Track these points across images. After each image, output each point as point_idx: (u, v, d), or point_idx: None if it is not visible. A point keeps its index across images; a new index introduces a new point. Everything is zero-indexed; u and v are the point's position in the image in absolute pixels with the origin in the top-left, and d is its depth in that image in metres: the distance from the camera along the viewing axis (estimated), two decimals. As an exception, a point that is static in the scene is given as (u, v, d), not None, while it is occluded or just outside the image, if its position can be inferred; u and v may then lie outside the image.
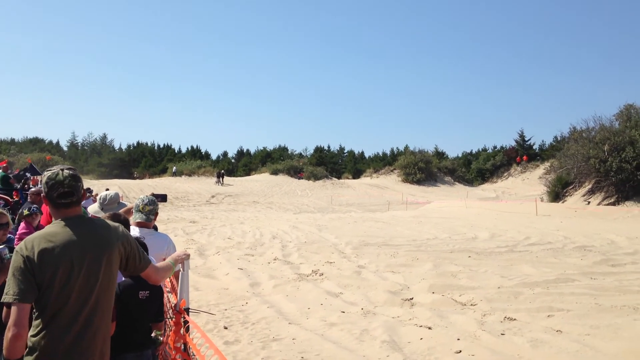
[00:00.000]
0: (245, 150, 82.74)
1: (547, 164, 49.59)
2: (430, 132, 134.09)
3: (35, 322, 2.38)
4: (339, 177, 65.54)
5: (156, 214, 4.29)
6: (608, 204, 26.09)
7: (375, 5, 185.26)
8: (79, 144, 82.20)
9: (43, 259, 2.35)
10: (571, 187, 30.50)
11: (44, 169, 36.79)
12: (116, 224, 2.71)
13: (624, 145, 26.18)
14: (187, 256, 3.17)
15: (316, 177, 57.26)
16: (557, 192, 30.72)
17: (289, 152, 77.70)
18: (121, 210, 4.28)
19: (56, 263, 2.36)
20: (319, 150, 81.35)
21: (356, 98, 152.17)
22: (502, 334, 6.13)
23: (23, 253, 2.36)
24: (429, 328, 6.40)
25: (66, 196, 2.51)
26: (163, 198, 4.93)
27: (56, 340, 2.36)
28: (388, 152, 79.77)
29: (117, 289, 3.11)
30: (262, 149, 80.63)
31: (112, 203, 4.28)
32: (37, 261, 2.34)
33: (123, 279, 3.13)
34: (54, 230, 2.47)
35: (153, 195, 4.43)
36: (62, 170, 2.56)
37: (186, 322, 2.67)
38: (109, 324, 2.58)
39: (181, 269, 3.02)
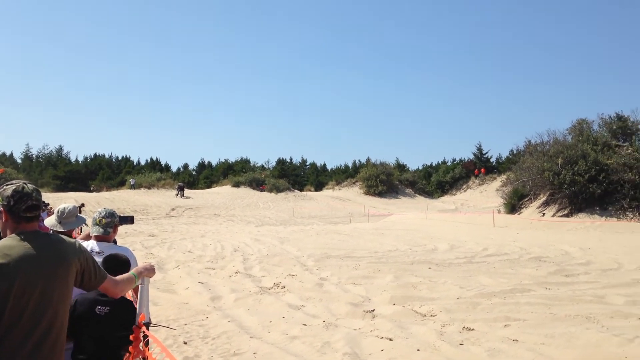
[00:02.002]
0: (206, 163, 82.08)
1: (503, 177, 50.88)
2: (391, 144, 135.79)
3: None
4: (301, 190, 65.65)
5: (115, 226, 4.22)
6: (562, 216, 26.88)
7: (336, 15, 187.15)
8: (34, 156, 79.87)
9: None
10: (527, 199, 31.32)
11: (-4, 181, 35.24)
12: (72, 240, 2.68)
13: (576, 159, 27.06)
14: (152, 269, 3.13)
15: (278, 190, 57.18)
16: (514, 204, 31.49)
17: (251, 164, 77.41)
18: (80, 237, 4.20)
19: (12, 277, 2.32)
20: (281, 162, 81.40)
21: (318, 110, 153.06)
22: (460, 344, 6.23)
23: None
24: (390, 339, 6.45)
25: (33, 209, 2.50)
26: (130, 220, 4.85)
27: (11, 355, 2.31)
28: (350, 165, 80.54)
29: (72, 305, 3.06)
30: (223, 161, 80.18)
31: (70, 216, 4.19)
32: None
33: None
34: (9, 244, 2.43)
35: (120, 217, 4.36)
36: (25, 183, 2.56)
37: (145, 336, 2.64)
38: (64, 339, 2.54)
39: (141, 283, 2.98)
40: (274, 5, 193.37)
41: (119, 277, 2.90)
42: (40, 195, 2.57)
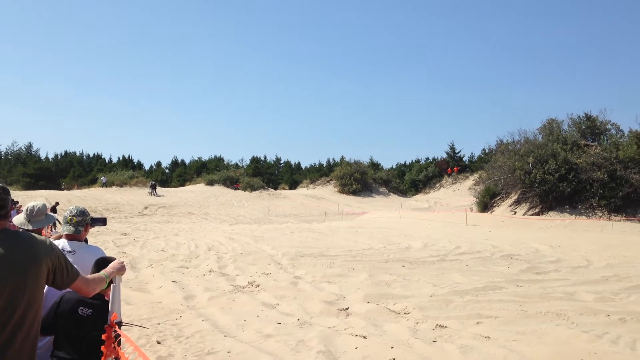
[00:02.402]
0: (179, 161, 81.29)
1: (476, 176, 51.55)
2: (365, 143, 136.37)
3: None
4: (275, 188, 65.53)
5: (87, 225, 4.14)
6: (533, 214, 27.36)
7: (304, 10, 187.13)
8: (2, 153, 77.96)
9: None
10: (499, 197, 31.80)
11: (-38, 179, 34.36)
12: (43, 238, 2.63)
13: (547, 158, 27.57)
14: (123, 267, 3.09)
15: (253, 188, 56.97)
16: (486, 203, 31.95)
17: (225, 163, 76.95)
18: (53, 237, 4.12)
19: None
20: (255, 160, 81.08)
21: (293, 108, 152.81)
22: (433, 341, 6.29)
23: None
24: (364, 337, 6.48)
25: None
26: (102, 222, 4.77)
27: None
28: (324, 163, 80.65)
29: (57, 301, 3.03)
30: (197, 159, 79.55)
31: (39, 215, 4.09)
32: None
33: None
34: None
35: (92, 218, 4.28)
36: None
37: (118, 335, 2.60)
38: (35, 339, 2.50)
39: (113, 282, 2.94)
40: (251, 5, 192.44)
41: (89, 277, 2.86)
42: (7, 194, 2.51)
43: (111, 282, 3.00)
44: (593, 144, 29.74)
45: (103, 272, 2.95)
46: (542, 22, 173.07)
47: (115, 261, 3.09)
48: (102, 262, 3.37)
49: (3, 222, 2.51)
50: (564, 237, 19.45)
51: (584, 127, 30.82)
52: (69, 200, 37.27)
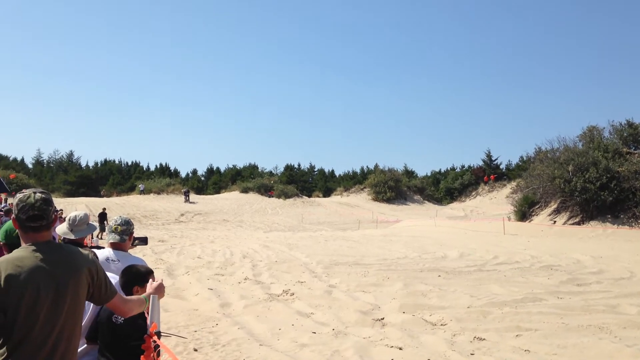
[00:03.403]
0: (215, 168, 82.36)
1: (513, 184, 50.60)
2: (399, 150, 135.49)
3: (0, 350, 2.32)
4: (309, 196, 65.69)
5: (131, 234, 4.23)
6: (573, 224, 26.68)
7: (343, 20, 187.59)
8: (45, 161, 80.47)
9: (10, 284, 2.30)
10: (537, 206, 31.12)
11: (8, 187, 35.57)
12: (86, 252, 2.67)
13: (587, 166, 26.87)
14: (162, 289, 3.11)
15: (287, 196, 57.25)
16: (524, 212, 31.30)
17: (260, 170, 77.60)
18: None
19: (22, 289, 2.31)
20: (289, 168, 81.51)
21: (327, 116, 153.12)
22: (471, 354, 6.18)
23: None
24: (400, 348, 6.41)
25: (35, 219, 2.46)
26: (144, 241, 4.90)
27: None
28: (358, 171, 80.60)
29: (99, 309, 3.09)
30: (232, 166, 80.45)
31: (81, 224, 4.20)
32: (3, 286, 2.29)
33: None
34: (22, 254, 2.42)
35: (134, 237, 4.38)
36: (35, 192, 2.53)
37: (157, 346, 2.64)
38: (75, 350, 2.54)
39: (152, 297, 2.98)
40: (290, 13, 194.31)
41: (129, 297, 2.90)
42: (48, 205, 2.51)
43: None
44: (636, 151, 28.85)
45: (144, 295, 2.97)
46: (585, 26, 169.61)
47: (155, 283, 3.10)
48: (137, 275, 3.40)
49: (46, 233, 2.52)
50: (606, 248, 18.89)
51: (625, 134, 29.93)
52: (109, 207, 38.10)
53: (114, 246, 4.09)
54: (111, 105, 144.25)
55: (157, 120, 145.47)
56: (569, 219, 27.44)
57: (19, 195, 2.52)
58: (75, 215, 4.25)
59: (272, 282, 11.53)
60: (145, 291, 3.25)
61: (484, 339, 6.83)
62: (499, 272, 12.81)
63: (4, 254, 3.00)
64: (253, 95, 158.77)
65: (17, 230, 2.55)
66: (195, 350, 6.44)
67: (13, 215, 2.54)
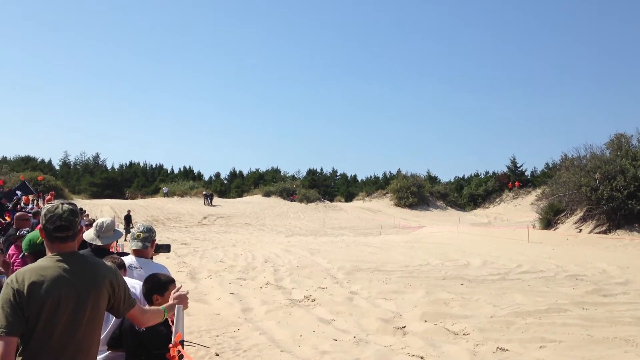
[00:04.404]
0: (237, 172, 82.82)
1: (538, 191, 49.85)
2: (422, 156, 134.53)
3: (18, 358, 2.37)
4: (331, 200, 65.67)
5: (153, 241, 4.29)
6: (599, 232, 26.22)
7: (367, 26, 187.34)
8: (71, 163, 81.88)
9: (32, 293, 2.36)
10: (563, 214, 30.65)
11: (35, 189, 36.29)
12: (109, 264, 2.73)
13: (615, 174, 26.40)
14: (185, 299, 3.14)
15: (309, 200, 57.34)
16: (549, 219, 30.84)
17: (282, 174, 77.82)
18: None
19: (44, 298, 2.37)
20: (311, 172, 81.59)
21: (349, 121, 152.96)
22: (494, 365, 6.12)
23: (14, 285, 2.37)
24: (422, 358, 6.38)
25: (62, 230, 2.53)
26: (167, 249, 5.00)
27: None
28: (380, 176, 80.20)
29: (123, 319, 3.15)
30: (254, 170, 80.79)
31: (108, 230, 4.28)
32: (26, 295, 2.35)
33: None
34: (46, 264, 2.48)
35: (157, 245, 4.46)
36: (62, 204, 2.60)
37: (182, 355, 2.68)
38: (94, 359, 2.59)
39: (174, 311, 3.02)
40: (320, 16, 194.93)
41: (147, 308, 2.94)
42: (75, 216, 2.57)
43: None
44: (664, 159, 28.26)
45: (163, 307, 3.02)
46: (610, 33, 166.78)
47: (178, 293, 3.13)
48: (158, 283, 3.44)
49: (71, 243, 2.58)
50: (633, 258, 18.51)
51: (654, 142, 29.38)
52: (133, 209, 38.61)
53: (137, 253, 4.16)
54: (136, 108, 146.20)
55: (181, 123, 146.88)
56: (595, 227, 26.96)
57: (47, 206, 2.60)
58: (103, 222, 4.34)
59: (293, 287, 11.56)
60: (165, 300, 3.30)
61: (507, 350, 6.76)
62: (522, 281, 12.64)
63: (27, 264, 3.08)
64: (277, 99, 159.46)
65: (39, 239, 2.62)
66: (217, 355, 6.50)
67: (40, 225, 2.61)
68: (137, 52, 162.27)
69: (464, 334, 7.66)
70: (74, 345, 2.44)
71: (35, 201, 30.92)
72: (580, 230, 27.39)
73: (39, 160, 74.79)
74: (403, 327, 8.00)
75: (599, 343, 7.12)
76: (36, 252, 4.01)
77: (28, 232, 6.97)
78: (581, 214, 28.72)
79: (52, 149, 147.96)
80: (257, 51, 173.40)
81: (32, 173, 50.60)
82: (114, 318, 3.34)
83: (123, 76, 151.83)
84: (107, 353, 3.34)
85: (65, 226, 2.53)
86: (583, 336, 7.45)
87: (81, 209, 21.89)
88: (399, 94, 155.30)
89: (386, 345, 7.05)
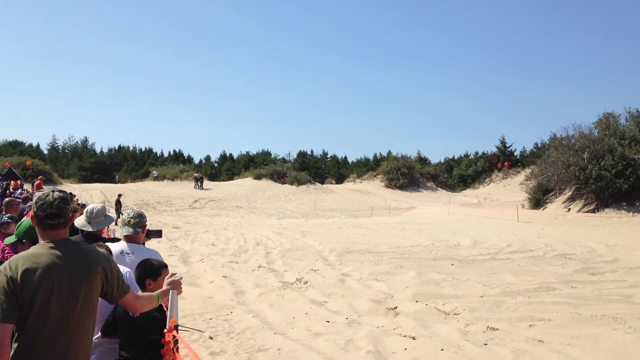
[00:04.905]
0: (228, 155, 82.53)
1: (527, 171, 50.16)
2: (412, 137, 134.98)
3: (14, 344, 2.38)
4: (322, 182, 65.73)
5: (144, 227, 4.28)
6: (588, 211, 26.48)
7: (358, 8, 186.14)
8: (60, 147, 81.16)
9: (25, 280, 2.37)
10: (552, 194, 30.88)
11: (23, 173, 35.91)
12: (102, 250, 2.73)
13: (603, 153, 26.60)
14: (178, 285, 3.14)
15: (299, 182, 57.32)
16: (538, 199, 31.08)
17: (272, 157, 77.67)
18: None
19: (37, 285, 2.38)
20: (302, 155, 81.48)
21: (339, 103, 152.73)
22: (484, 344, 6.20)
23: (7, 273, 2.38)
24: (413, 338, 6.45)
25: (53, 217, 2.54)
26: (158, 234, 4.98)
27: None
28: (371, 158, 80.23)
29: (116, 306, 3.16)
30: (245, 153, 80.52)
31: (99, 216, 4.26)
32: (19, 282, 2.36)
33: None
34: (38, 251, 2.49)
35: (149, 230, 4.44)
36: (53, 191, 2.61)
37: (177, 340, 2.70)
38: (88, 346, 2.60)
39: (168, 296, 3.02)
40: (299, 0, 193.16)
41: (140, 294, 2.95)
42: (66, 204, 2.58)
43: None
44: (652, 138, 28.47)
45: (157, 293, 3.02)
46: (598, 11, 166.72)
47: (172, 279, 3.13)
48: (150, 268, 3.44)
49: (63, 231, 2.59)
50: (621, 236, 18.75)
51: (642, 121, 29.56)
52: (123, 193, 38.38)
53: (128, 239, 4.14)
54: (125, 91, 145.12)
55: (170, 107, 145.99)
56: (583, 206, 27.22)
57: (37, 194, 2.60)
58: (93, 208, 4.32)
59: (285, 270, 11.61)
60: (158, 284, 3.31)
61: (497, 329, 6.85)
62: (512, 261, 12.77)
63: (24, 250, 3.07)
64: (266, 81, 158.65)
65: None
66: (211, 338, 6.53)
67: (32, 213, 2.61)
68: (124, 37, 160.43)
69: (454, 314, 7.74)
70: (68, 331, 2.45)
71: (22, 185, 30.63)
72: (569, 209, 27.65)
73: (26, 144, 74.03)
74: (395, 308, 8.07)
75: (588, 321, 7.23)
76: (34, 240, 4.01)
77: (11, 217, 6.81)
78: (570, 193, 28.95)
79: (40, 133, 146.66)
80: (246, 34, 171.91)
81: (20, 158, 50.08)
82: (105, 306, 3.35)
83: (110, 60, 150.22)
84: (101, 340, 3.35)
85: (56, 214, 2.53)
86: (572, 314, 7.56)
87: (70, 193, 21.73)
88: (389, 76, 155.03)
89: (378, 326, 7.12)
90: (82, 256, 2.57)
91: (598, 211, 26.16)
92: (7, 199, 9.56)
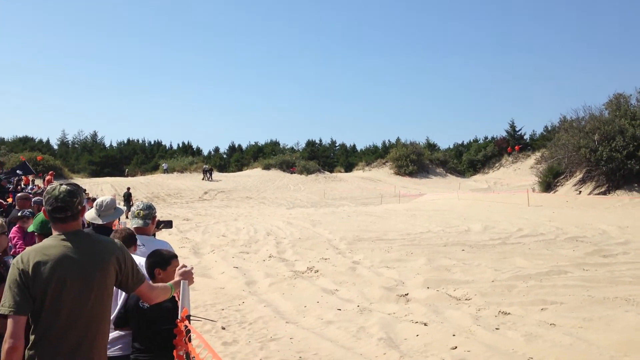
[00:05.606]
0: (237, 146, 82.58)
1: (538, 154, 49.83)
2: (421, 123, 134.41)
3: (31, 337, 2.41)
4: (331, 171, 65.58)
5: (154, 218, 4.30)
6: (599, 194, 26.32)
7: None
8: (70, 142, 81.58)
9: (37, 272, 2.39)
10: (562, 177, 30.71)
11: (35, 168, 36.00)
12: (114, 240, 2.74)
13: (614, 135, 26.39)
14: (190, 275, 3.14)
15: (308, 171, 57.25)
16: (549, 182, 30.92)
17: (281, 147, 77.57)
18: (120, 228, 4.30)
19: (49, 277, 2.39)
20: (310, 144, 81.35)
21: (347, 91, 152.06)
22: (496, 329, 6.20)
23: (19, 266, 2.41)
24: (425, 324, 6.46)
25: (59, 211, 2.54)
26: (169, 225, 4.99)
27: (49, 355, 2.39)
28: (380, 145, 79.93)
29: (127, 295, 3.18)
30: (253, 143, 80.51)
31: (108, 209, 4.28)
32: (31, 274, 2.38)
33: None
34: (50, 244, 2.51)
35: (159, 221, 4.46)
36: (61, 185, 2.61)
37: (188, 330, 2.72)
38: (106, 336, 2.62)
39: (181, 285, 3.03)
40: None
41: (155, 285, 2.96)
42: (73, 197, 2.57)
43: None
44: (663, 118, 28.17)
45: (170, 283, 3.03)
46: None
47: (183, 269, 3.13)
48: (160, 258, 3.46)
49: (74, 223, 2.59)
50: (633, 218, 18.62)
51: (653, 101, 29.26)
52: (133, 186, 38.61)
53: (138, 231, 4.16)
54: (133, 85, 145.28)
55: (178, 99, 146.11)
56: (594, 189, 27.06)
57: (47, 187, 2.62)
58: (102, 201, 4.33)
59: (296, 259, 11.64)
60: (167, 274, 3.32)
61: (509, 313, 6.84)
62: (523, 245, 12.74)
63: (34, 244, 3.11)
64: (273, 71, 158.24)
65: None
66: (223, 328, 6.58)
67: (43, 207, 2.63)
68: (129, 31, 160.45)
69: (466, 299, 7.74)
70: (84, 322, 2.47)
71: (34, 181, 30.85)
72: (580, 192, 27.48)
73: (37, 140, 74.46)
74: (406, 295, 8.08)
75: (600, 303, 7.21)
76: (46, 234, 4.04)
77: (31, 212, 6.99)
78: (580, 175, 28.78)
79: (49, 129, 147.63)
80: (250, 25, 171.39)
81: (31, 153, 50.40)
82: (118, 297, 3.37)
83: (118, 55, 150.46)
84: (115, 333, 3.38)
85: (62, 207, 2.54)
86: (584, 297, 7.54)
87: (83, 199, 21.80)
88: (396, 62, 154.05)
89: (390, 313, 7.13)
90: (95, 247, 2.58)
91: (609, 193, 26.00)
92: (19, 194, 9.65)
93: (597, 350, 5.38)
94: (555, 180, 30.91)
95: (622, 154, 25.49)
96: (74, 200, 2.58)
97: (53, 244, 2.50)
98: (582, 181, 28.38)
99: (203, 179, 48.86)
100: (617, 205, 23.30)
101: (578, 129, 29.60)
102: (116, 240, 2.78)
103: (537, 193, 29.75)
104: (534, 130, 74.19)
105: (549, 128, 56.64)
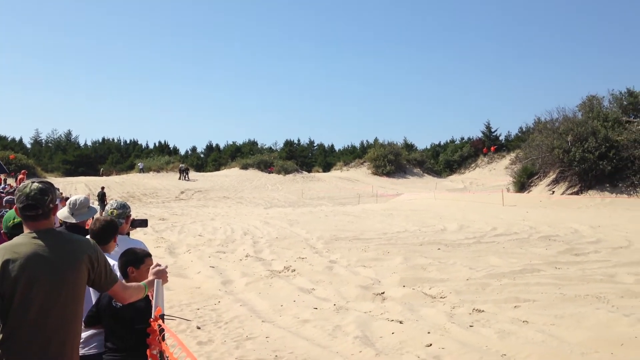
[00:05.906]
0: (214, 145, 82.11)
1: (512, 155, 50.53)
2: (399, 124, 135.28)
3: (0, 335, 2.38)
4: (309, 171, 65.56)
5: (128, 217, 4.25)
6: (571, 194, 26.78)
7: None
8: (43, 141, 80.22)
9: (5, 270, 2.36)
10: (536, 177, 31.17)
11: (7, 167, 35.24)
12: (86, 239, 2.71)
13: (586, 136, 26.85)
14: (164, 274, 3.11)
15: (286, 171, 57.13)
16: (523, 183, 31.36)
17: (259, 147, 77.38)
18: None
19: (18, 275, 2.36)
20: (289, 144, 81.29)
21: (325, 91, 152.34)
22: (470, 326, 6.28)
23: None
24: (400, 322, 6.51)
25: (30, 209, 2.51)
26: (144, 223, 4.92)
27: (18, 354, 2.37)
28: (358, 145, 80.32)
29: (100, 295, 3.14)
30: (231, 143, 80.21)
31: (82, 208, 4.21)
32: (0, 272, 2.35)
33: None
34: (20, 242, 2.48)
35: (133, 220, 4.41)
36: (32, 182, 2.57)
37: (162, 329, 2.69)
38: (77, 335, 2.59)
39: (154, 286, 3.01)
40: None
41: (129, 284, 2.94)
42: (44, 194, 2.53)
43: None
44: (635, 120, 28.78)
45: (144, 283, 3.01)
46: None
47: (157, 268, 3.11)
48: (133, 256, 3.42)
49: (45, 222, 2.55)
50: (604, 217, 19.01)
51: (625, 103, 29.79)
52: (108, 186, 38.08)
53: None
54: (108, 84, 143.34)
55: (155, 98, 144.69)
56: (567, 189, 27.52)
57: (19, 185, 2.59)
58: (76, 199, 4.27)
59: (273, 258, 11.62)
60: (141, 273, 3.29)
61: (482, 311, 6.93)
62: (497, 244, 12.91)
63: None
64: (251, 70, 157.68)
65: (12, 220, 2.60)
66: (199, 328, 6.54)
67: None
68: (104, 29, 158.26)
69: (441, 297, 7.82)
70: (54, 321, 2.44)
71: (5, 180, 30.26)
72: (553, 192, 27.93)
73: (9, 138, 73.04)
74: (382, 293, 8.13)
75: (572, 301, 7.35)
76: (12, 234, 3.97)
77: (5, 212, 6.85)
78: (554, 176, 29.24)
79: (22, 128, 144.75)
80: (227, 23, 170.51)
81: (3, 152, 49.36)
82: (92, 296, 3.33)
83: (91, 53, 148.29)
84: (89, 332, 3.34)
85: (33, 205, 2.50)
86: (556, 295, 7.67)
87: (56, 198, 21.46)
88: (374, 62, 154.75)
89: (366, 311, 7.17)
90: (67, 245, 2.54)
91: (582, 193, 26.47)
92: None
93: (568, 347, 5.48)
94: (530, 181, 31.37)
95: (595, 154, 25.96)
96: (46, 198, 2.54)
97: (23, 242, 2.46)
98: (556, 181, 28.84)
99: (180, 179, 48.41)
100: (589, 205, 23.75)
101: (552, 130, 30.06)
102: (89, 239, 2.75)
103: (512, 193, 30.16)
104: (509, 132, 75.15)
105: (524, 129, 57.60)
